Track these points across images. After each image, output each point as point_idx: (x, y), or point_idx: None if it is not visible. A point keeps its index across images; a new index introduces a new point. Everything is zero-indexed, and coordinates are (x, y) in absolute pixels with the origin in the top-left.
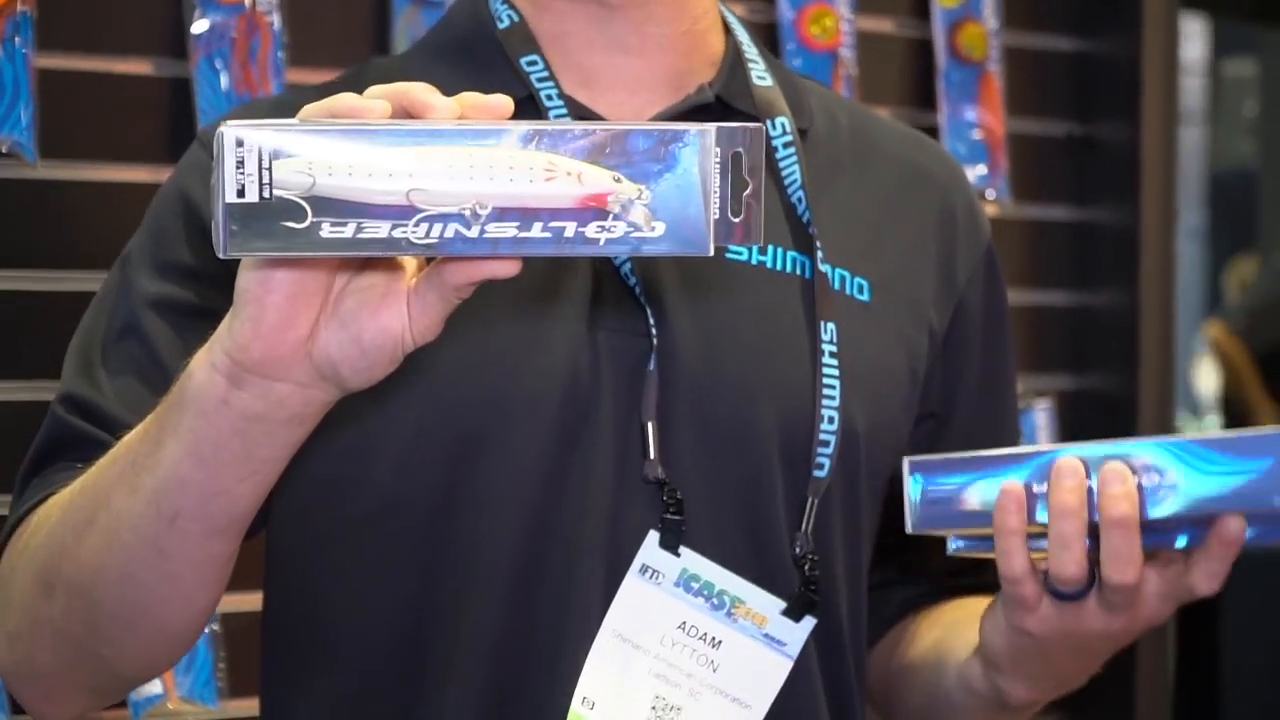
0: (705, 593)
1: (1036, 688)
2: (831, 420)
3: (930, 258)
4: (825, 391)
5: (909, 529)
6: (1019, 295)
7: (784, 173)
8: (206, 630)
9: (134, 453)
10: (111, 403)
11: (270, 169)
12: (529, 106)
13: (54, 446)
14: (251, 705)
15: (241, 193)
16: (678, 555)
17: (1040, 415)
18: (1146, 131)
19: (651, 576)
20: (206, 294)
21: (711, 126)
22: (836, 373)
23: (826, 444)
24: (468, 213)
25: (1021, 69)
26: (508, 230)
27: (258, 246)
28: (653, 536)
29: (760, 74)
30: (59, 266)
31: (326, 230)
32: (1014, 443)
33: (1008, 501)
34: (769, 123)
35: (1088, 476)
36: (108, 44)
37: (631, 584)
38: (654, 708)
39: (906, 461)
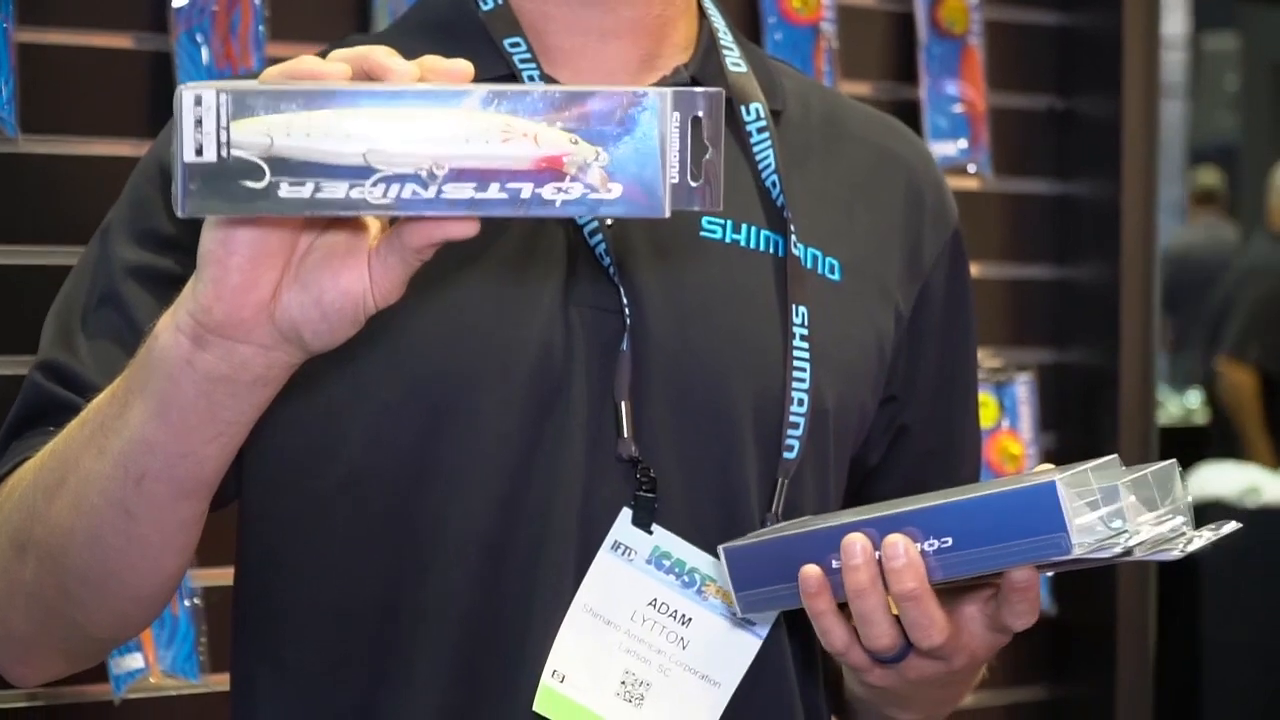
0: (676, 570)
1: (921, 712)
2: (801, 402)
3: (897, 240)
4: (795, 374)
5: (739, 614)
6: (1000, 269)
7: (758, 156)
8: (188, 604)
9: (102, 415)
10: (90, 370)
11: (228, 129)
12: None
13: (32, 414)
14: None
15: (200, 152)
16: (650, 533)
17: (1021, 389)
18: (1127, 105)
19: (623, 553)
20: (186, 263)
21: (669, 90)
22: (807, 355)
23: (796, 425)
24: (424, 173)
25: (1003, 43)
26: (464, 191)
27: (216, 206)
28: (625, 514)
29: (735, 60)
30: (40, 241)
31: (285, 190)
32: (969, 426)
33: (808, 586)
34: (743, 108)
35: (877, 547)
36: (88, 18)
37: (603, 560)
38: (624, 683)
39: (721, 550)
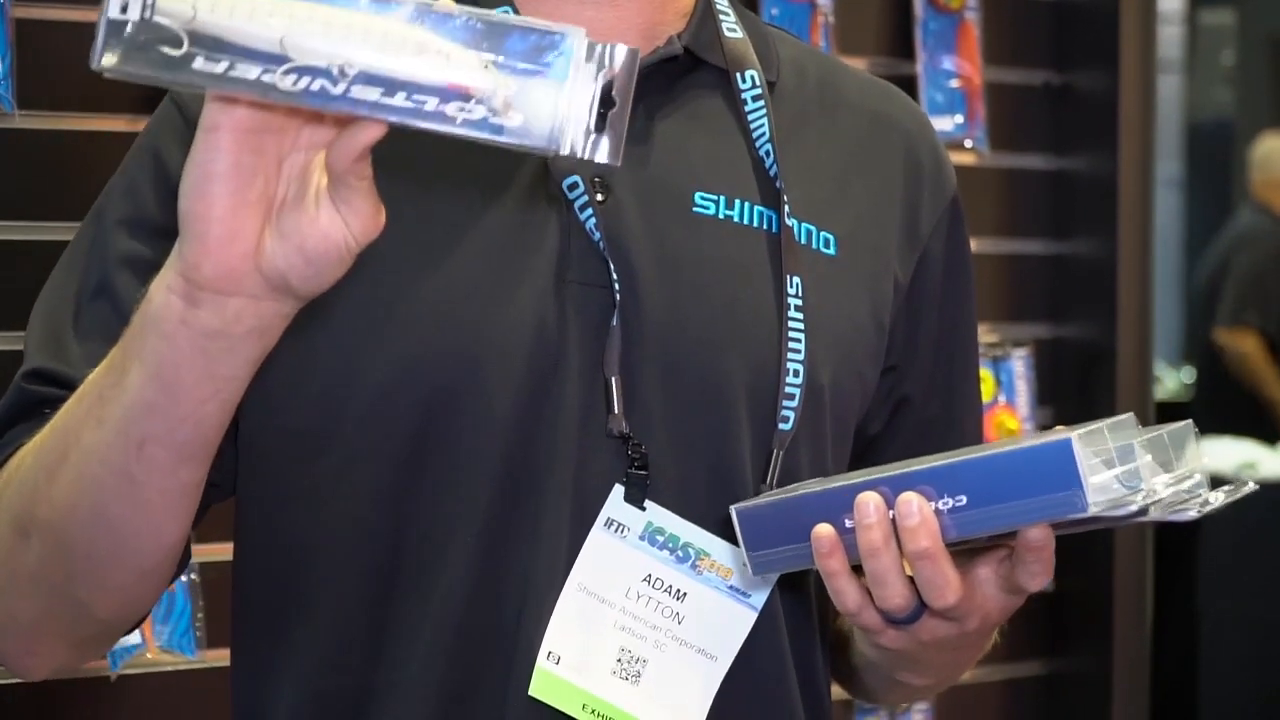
0: (670, 546)
1: (932, 676)
2: (797, 374)
3: (895, 208)
4: (791, 345)
5: (752, 575)
6: (997, 244)
7: (752, 125)
8: (185, 580)
9: (99, 386)
10: (81, 374)
11: None
12: None
13: (21, 414)
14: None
15: (125, 10)
16: (643, 509)
17: (1018, 364)
18: (1124, 81)
19: (617, 530)
20: None
21: (585, 37)
22: (802, 327)
23: (792, 397)
24: (335, 70)
25: (999, 18)
26: (370, 94)
27: (130, 66)
28: (618, 490)
29: (730, 26)
30: (37, 217)
31: (199, 63)
32: (970, 394)
33: (821, 547)
34: (738, 75)
35: (890, 506)
36: None
37: (597, 538)
38: (620, 660)
39: (734, 510)
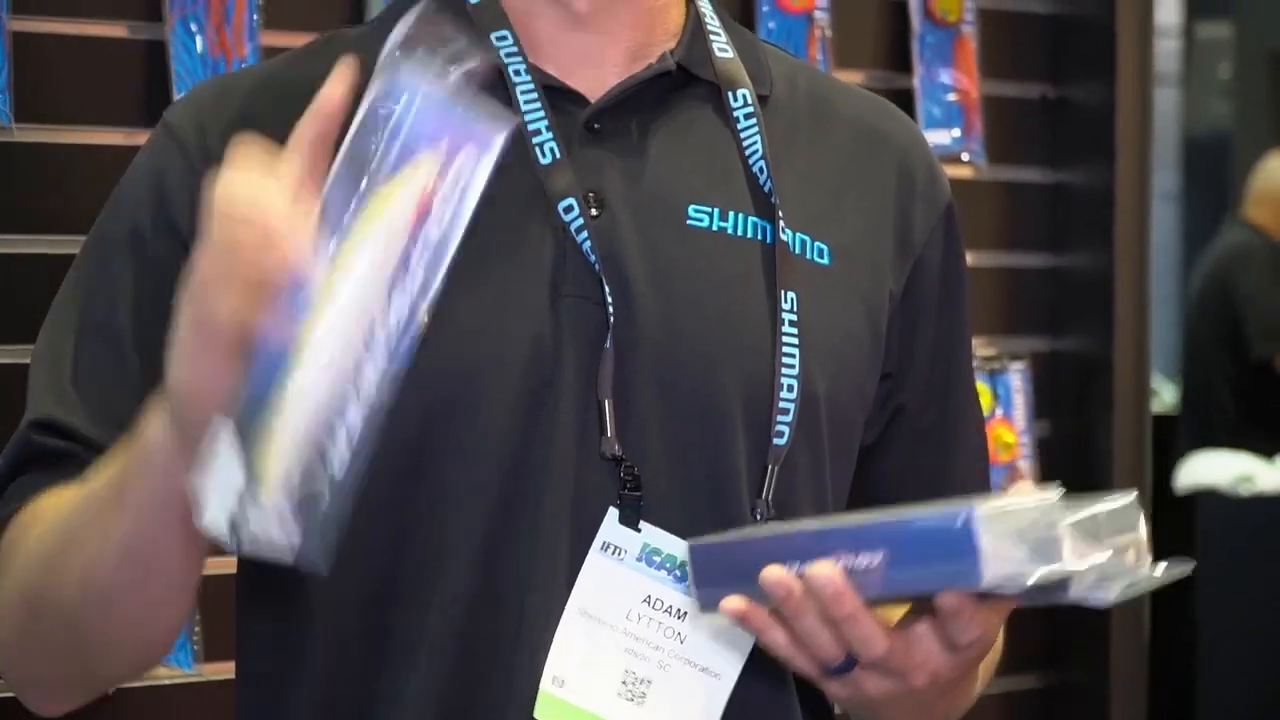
0: (668, 565)
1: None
2: (791, 388)
3: (888, 220)
4: (785, 359)
5: (700, 610)
6: (994, 257)
7: (745, 142)
8: None
9: (102, 501)
10: (85, 423)
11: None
12: (497, 78)
13: (26, 463)
14: (227, 668)
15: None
16: (638, 530)
17: (1015, 377)
18: (1121, 94)
19: (614, 553)
20: (178, 279)
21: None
22: (796, 341)
23: (786, 411)
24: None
25: (996, 31)
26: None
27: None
28: (612, 513)
29: (722, 45)
30: (35, 230)
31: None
32: (966, 403)
33: (741, 619)
34: (730, 94)
35: (817, 559)
36: (83, 7)
37: (594, 561)
38: (624, 682)
39: (687, 545)
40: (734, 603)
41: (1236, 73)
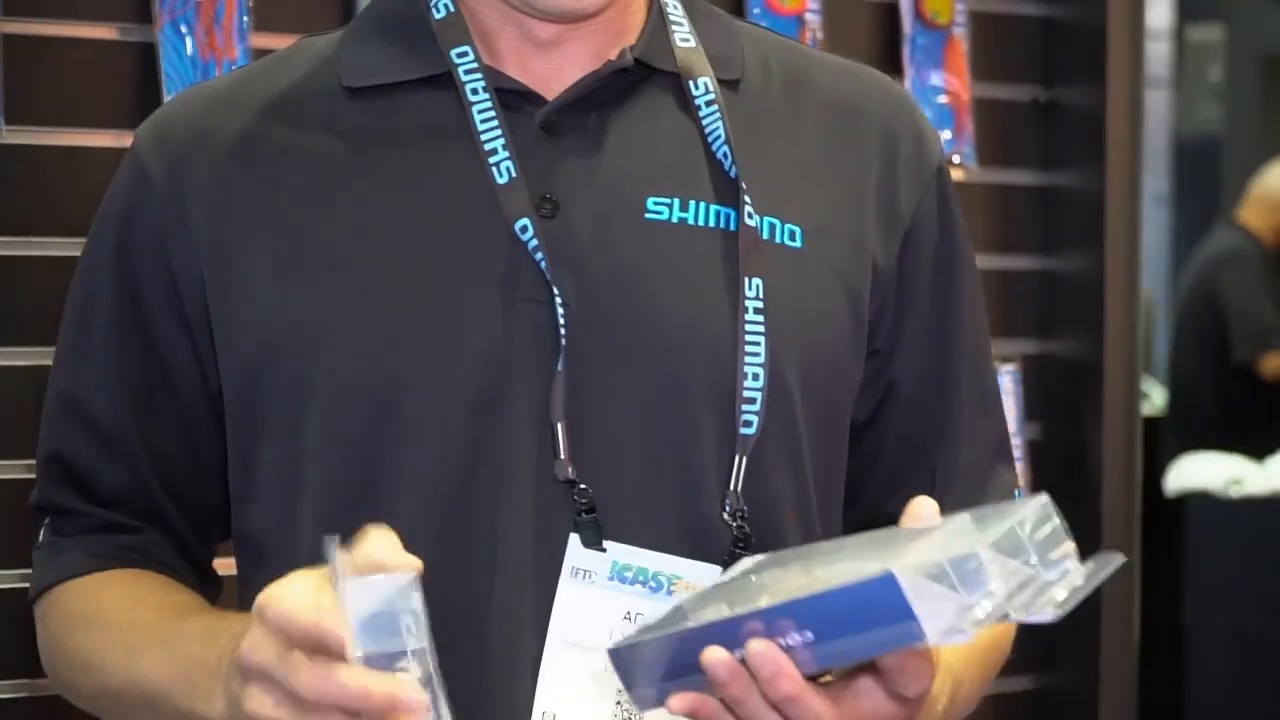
0: (641, 579)
1: None
2: (757, 376)
3: (870, 194)
4: (748, 348)
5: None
6: (985, 260)
7: (707, 129)
8: None
9: (142, 698)
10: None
11: None
12: (450, 86)
13: (52, 498)
14: None
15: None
16: (603, 550)
17: (1006, 379)
18: (1112, 96)
19: (583, 576)
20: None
21: None
22: (761, 328)
23: (753, 400)
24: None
25: (987, 33)
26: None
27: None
28: (574, 538)
29: (684, 35)
30: (25, 232)
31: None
32: (968, 382)
33: (693, 714)
34: (690, 84)
35: (756, 636)
36: (73, 9)
37: (566, 588)
38: (619, 703)
39: (608, 652)
40: (683, 699)
41: (1227, 76)
